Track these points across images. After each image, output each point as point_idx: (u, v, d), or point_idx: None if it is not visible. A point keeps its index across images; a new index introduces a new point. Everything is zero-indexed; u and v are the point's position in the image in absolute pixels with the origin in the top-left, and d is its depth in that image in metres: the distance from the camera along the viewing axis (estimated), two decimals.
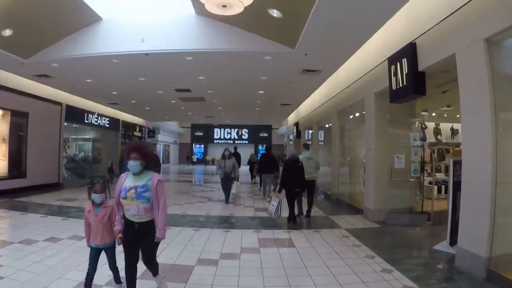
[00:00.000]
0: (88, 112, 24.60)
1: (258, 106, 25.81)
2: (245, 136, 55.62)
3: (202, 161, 53.18)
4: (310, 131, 25.01)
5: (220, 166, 15.28)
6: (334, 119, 17.18)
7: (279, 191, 10.84)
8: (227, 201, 15.00)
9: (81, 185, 20.58)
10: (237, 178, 15.36)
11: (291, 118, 32.21)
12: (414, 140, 11.75)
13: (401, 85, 9.69)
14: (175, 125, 51.80)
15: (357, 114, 15.14)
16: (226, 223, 11.46)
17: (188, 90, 19.54)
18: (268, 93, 20.18)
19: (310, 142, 23.44)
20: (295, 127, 28.31)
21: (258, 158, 27.46)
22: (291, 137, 32.69)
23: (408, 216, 11.48)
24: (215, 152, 48.77)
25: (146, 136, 37.81)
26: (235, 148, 25.48)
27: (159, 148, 48.10)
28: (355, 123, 15.64)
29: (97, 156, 29.05)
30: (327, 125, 19.81)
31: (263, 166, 16.51)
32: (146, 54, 12.84)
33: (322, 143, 21.49)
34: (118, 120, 29.79)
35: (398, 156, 11.63)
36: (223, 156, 15.26)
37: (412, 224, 11.04)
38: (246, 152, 27.81)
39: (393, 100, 10.46)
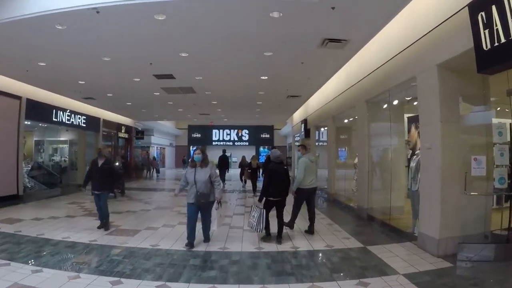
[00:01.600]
0: (58, 108, 20.11)
1: (260, 99, 21.41)
2: (246, 137, 51.89)
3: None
4: (322, 129, 21.42)
5: (186, 181, 8.83)
6: (361, 111, 13.12)
7: (260, 200, 9.17)
8: (190, 245, 8.50)
9: (49, 196, 16.95)
10: (219, 203, 9.00)
11: (298, 115, 28.03)
12: (499, 135, 7.68)
13: (502, 40, 5.52)
14: (171, 126, 48.47)
15: (395, 102, 11.52)
16: (214, 269, 7.16)
17: (171, 77, 15.31)
18: (272, 80, 15.96)
19: (320, 143, 21.42)
20: (302, 125, 24.21)
21: (262, 161, 25.67)
22: (298, 137, 28.57)
23: (493, 248, 7.40)
24: (214, 155, 43.20)
25: (134, 138, 33.63)
26: (224, 151, 24.66)
27: (153, 151, 44.38)
28: (394, 113, 11.72)
29: (75, 161, 24.54)
30: (347, 120, 16.42)
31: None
32: (97, 12, 8.51)
33: (342, 142, 17.67)
34: (97, 119, 25.26)
35: (476, 158, 7.69)
36: (193, 162, 8.79)
37: (501, 259, 7.17)
38: (247, 155, 23.51)
39: (485, 67, 6.17)
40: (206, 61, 13.04)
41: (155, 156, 41.64)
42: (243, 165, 22.53)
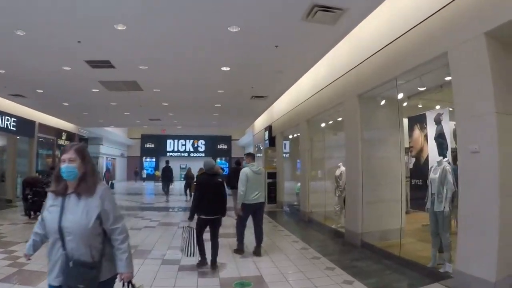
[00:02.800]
0: None
1: (219, 100, 18.19)
2: (202, 148, 48.74)
3: (153, 177, 45.82)
4: (291, 136, 18.66)
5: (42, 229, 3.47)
6: (351, 109, 10.26)
7: (190, 218, 7.68)
8: None
9: None
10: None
11: (260, 122, 25.01)
12: None
13: None
14: (123, 135, 44.83)
15: (400, 96, 8.89)
16: None
17: (109, 65, 11.91)
18: (236, 73, 12.97)
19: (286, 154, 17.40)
20: (266, 132, 21.21)
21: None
22: (260, 147, 25.50)
23: None
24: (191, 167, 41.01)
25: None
26: (167, 162, 23.68)
27: (102, 162, 40.23)
28: (397, 112, 9.06)
29: (3, 171, 20.41)
30: (326, 123, 13.60)
31: (235, 181, 13.01)
32: None
33: (319, 150, 14.64)
34: (32, 122, 21.11)
35: None
36: (57, 183, 3.28)
37: None
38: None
39: None
40: (150, 40, 9.84)
41: (109, 168, 37.26)
42: (188, 177, 21.96)
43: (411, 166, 9.46)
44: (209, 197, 7.59)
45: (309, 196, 14.07)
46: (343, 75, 10.48)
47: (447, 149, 8.24)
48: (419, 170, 9.19)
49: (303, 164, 14.74)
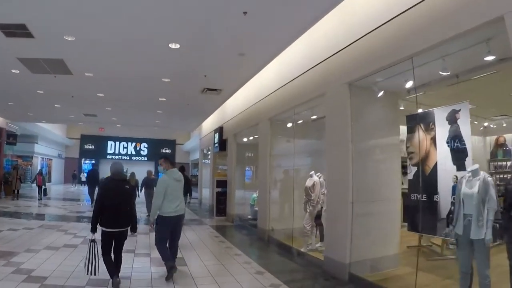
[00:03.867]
0: None
1: (164, 93, 15.19)
2: (144, 151, 45.61)
3: None
4: (246, 139, 15.98)
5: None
6: (339, 102, 7.76)
7: (92, 230, 6.22)
8: None
9: None
10: None
11: (209, 123, 22.02)
12: None
13: None
14: (61, 134, 41.14)
15: (409, 85, 6.85)
16: None
17: (24, 29, 8.64)
18: (186, 54, 10.21)
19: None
20: (216, 134, 18.34)
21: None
22: (208, 150, 22.62)
23: None
24: (109, 170, 37.19)
25: (4, 143, 25.19)
26: (93, 165, 22.75)
27: (37, 162, 36.31)
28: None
29: None
30: (298, 122, 11.01)
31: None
32: None
33: (288, 156, 11.59)
34: None
35: None
36: None
37: None
38: (144, 171, 17.26)
39: None
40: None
41: (42, 169, 30.37)
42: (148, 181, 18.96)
43: (410, 177, 7.02)
44: (113, 207, 6.27)
45: (269, 210, 11.29)
46: (330, 57, 7.90)
47: (466, 156, 5.88)
48: (424, 182, 6.75)
49: (262, 172, 11.99)
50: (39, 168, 32.61)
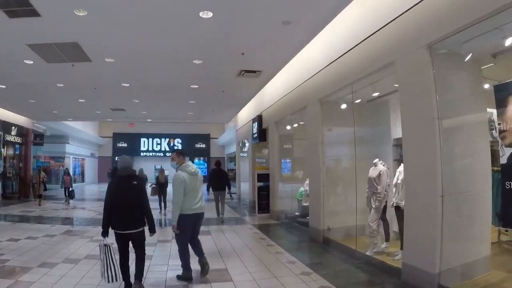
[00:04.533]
0: None
1: (196, 77, 13.43)
2: (178, 147, 44.13)
3: None
4: (289, 127, 14.31)
5: None
6: (418, 70, 6.11)
7: (104, 234, 5.81)
8: None
9: None
10: None
11: (245, 113, 20.44)
12: None
13: None
14: (93, 133, 40.77)
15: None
16: None
17: (28, 5, 7.34)
18: (222, 21, 8.62)
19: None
20: (254, 124, 16.83)
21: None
22: (245, 142, 21.29)
23: None
24: (143, 168, 36.62)
25: (32, 143, 24.60)
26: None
27: (69, 162, 35.78)
28: None
29: None
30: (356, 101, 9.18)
31: (215, 182, 13.90)
32: None
33: (347, 143, 9.82)
34: None
35: None
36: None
37: None
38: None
39: None
40: None
41: (68, 169, 26.80)
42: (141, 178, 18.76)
43: (503, 160, 5.36)
44: (122, 206, 5.83)
45: (324, 206, 9.73)
46: (402, 14, 6.24)
47: None
48: None
49: (313, 162, 10.35)
50: (66, 167, 30.32)
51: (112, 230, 5.81)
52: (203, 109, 21.03)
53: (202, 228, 11.61)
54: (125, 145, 44.32)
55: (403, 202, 7.19)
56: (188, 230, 6.70)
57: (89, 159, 42.42)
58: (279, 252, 8.61)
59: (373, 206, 7.87)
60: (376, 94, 8.91)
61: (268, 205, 14.67)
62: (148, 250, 6.57)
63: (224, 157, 39.78)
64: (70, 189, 20.24)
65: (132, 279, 5.86)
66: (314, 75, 9.87)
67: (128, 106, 20.03)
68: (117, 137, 44.22)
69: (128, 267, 5.88)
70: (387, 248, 8.13)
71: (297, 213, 12.90)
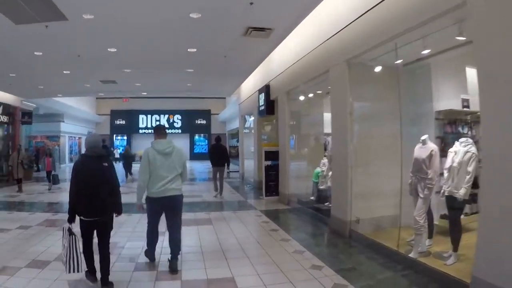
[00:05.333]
0: None
1: (193, 38, 11.14)
2: (178, 123, 43.31)
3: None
4: (302, 97, 12.27)
5: None
6: None
7: (70, 220, 5.21)
8: None
9: None
10: None
11: (250, 84, 18.34)
12: None
13: None
14: (90, 111, 39.33)
15: None
16: None
17: None
18: None
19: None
20: (261, 95, 14.87)
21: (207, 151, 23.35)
22: (250, 117, 19.35)
23: None
24: (141, 145, 35.62)
25: (20, 122, 22.69)
26: (103, 141, 17.18)
27: (65, 141, 34.57)
28: None
29: None
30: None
31: (214, 158, 14.31)
32: None
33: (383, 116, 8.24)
34: None
35: None
36: None
37: None
38: (179, 145, 13.44)
39: None
40: None
41: (50, 149, 20.71)
42: (127, 157, 20.67)
43: None
44: (88, 190, 5.10)
45: (351, 192, 7.89)
46: None
47: None
48: None
49: (339, 138, 8.49)
50: (48, 147, 24.66)
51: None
52: (203, 80, 18.62)
53: (202, 215, 10.15)
54: (123, 122, 43.40)
55: (461, 191, 5.47)
56: (153, 214, 6.23)
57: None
58: (297, 250, 6.83)
59: (421, 196, 6.10)
60: (425, 52, 6.93)
61: (277, 187, 12.90)
62: None
63: (225, 134, 38.52)
64: (53, 172, 16.75)
65: (96, 265, 5.31)
66: (341, 30, 7.88)
67: (119, 78, 17.82)
68: (115, 114, 43.11)
69: (92, 253, 5.33)
70: (430, 247, 6.44)
71: (312, 198, 11.11)
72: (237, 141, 26.65)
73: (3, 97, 20.36)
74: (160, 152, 6.11)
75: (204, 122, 43.47)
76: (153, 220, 6.28)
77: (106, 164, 5.40)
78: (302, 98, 12.11)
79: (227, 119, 37.99)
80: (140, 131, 42.82)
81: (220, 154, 14.11)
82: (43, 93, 21.65)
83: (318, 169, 10.82)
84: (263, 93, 14.49)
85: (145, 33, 10.44)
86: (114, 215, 5.50)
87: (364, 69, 7.89)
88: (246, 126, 21.43)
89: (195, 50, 12.18)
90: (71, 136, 37.07)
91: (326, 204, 9.59)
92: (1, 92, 19.90)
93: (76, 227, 5.15)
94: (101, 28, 9.83)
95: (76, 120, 36.18)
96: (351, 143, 7.88)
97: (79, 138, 39.18)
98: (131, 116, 42.55)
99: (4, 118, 20.89)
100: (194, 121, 43.22)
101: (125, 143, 42.19)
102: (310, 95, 11.71)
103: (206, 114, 43.14)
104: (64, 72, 15.25)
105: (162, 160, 6.12)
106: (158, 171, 6.05)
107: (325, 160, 10.98)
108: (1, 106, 20.35)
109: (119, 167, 20.62)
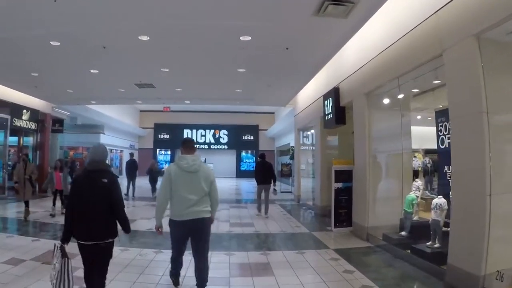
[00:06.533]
0: None
1: (246, 24, 8.73)
2: (224, 139, 41.66)
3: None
4: (389, 100, 9.54)
5: None
6: None
7: (63, 241, 4.54)
8: None
9: None
10: None
11: (310, 92, 15.67)
12: None
13: None
14: (132, 124, 38.37)
15: None
16: None
17: None
18: None
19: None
20: (328, 101, 12.17)
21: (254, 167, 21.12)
22: (310, 132, 16.95)
23: None
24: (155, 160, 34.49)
25: (50, 129, 21.13)
26: (131, 155, 21.38)
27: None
28: None
29: None
30: None
31: (259, 176, 13.99)
32: None
33: None
34: None
35: None
36: None
37: None
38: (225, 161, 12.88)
39: None
40: None
41: (61, 161, 15.01)
42: (152, 170, 19.77)
43: None
44: (84, 209, 4.52)
45: (489, 235, 5.20)
46: None
47: None
48: None
49: (464, 149, 5.77)
50: (58, 158, 19.87)
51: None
52: (255, 84, 16.01)
53: (257, 256, 7.59)
54: (167, 136, 42.15)
55: None
56: (176, 239, 5.69)
57: (128, 151, 38.97)
58: None
59: None
60: None
61: (349, 215, 10.31)
62: None
63: (273, 150, 37.09)
64: (64, 194, 12.40)
65: None
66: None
67: (156, 79, 15.43)
68: (158, 128, 42.07)
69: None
70: None
71: (402, 233, 8.36)
72: (290, 158, 24.25)
73: (31, 102, 19.08)
74: (184, 169, 5.52)
75: (251, 138, 41.72)
76: (177, 246, 5.80)
77: (105, 180, 4.66)
78: (387, 101, 9.40)
79: (276, 135, 36.51)
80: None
81: (265, 171, 13.79)
82: (73, 98, 20.00)
83: (412, 195, 8.10)
84: (330, 99, 11.90)
85: (183, 13, 8.10)
86: (117, 237, 4.76)
87: (507, 47, 5.30)
88: (302, 142, 19.03)
89: (250, 38, 9.70)
90: (112, 149, 35.50)
91: (429, 244, 6.92)
92: (29, 96, 18.56)
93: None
94: (125, 3, 7.57)
95: (117, 132, 35.28)
96: (490, 158, 5.20)
97: (121, 151, 38.23)
98: (176, 130, 41.05)
99: (32, 125, 19.44)
100: (241, 136, 41.63)
101: (168, 158, 41.55)
102: (400, 95, 8.89)
103: (254, 129, 41.39)
104: (92, 71, 13.37)
105: (186, 178, 5.53)
106: (181, 191, 5.48)
107: (418, 183, 8.38)
108: (29, 112, 18.94)
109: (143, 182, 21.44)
